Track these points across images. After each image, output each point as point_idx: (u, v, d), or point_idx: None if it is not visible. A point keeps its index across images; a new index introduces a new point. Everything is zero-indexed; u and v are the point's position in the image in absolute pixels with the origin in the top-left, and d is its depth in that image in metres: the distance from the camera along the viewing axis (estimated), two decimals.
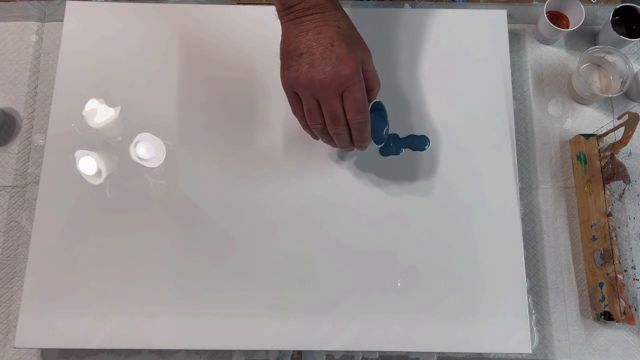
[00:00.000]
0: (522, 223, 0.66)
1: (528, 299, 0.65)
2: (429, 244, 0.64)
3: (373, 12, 0.73)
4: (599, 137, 0.69)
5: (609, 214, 0.66)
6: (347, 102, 0.51)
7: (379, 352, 0.65)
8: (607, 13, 0.75)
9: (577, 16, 0.72)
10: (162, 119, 0.68)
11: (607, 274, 0.64)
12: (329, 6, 0.51)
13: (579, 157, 0.69)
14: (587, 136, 0.69)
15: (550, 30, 0.72)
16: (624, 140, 0.65)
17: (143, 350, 0.64)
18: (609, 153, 0.67)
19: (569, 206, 0.70)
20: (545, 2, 0.72)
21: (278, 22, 0.54)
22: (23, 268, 0.66)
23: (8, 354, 0.64)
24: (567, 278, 0.67)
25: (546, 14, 0.71)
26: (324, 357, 0.65)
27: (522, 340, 0.61)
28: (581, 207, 0.68)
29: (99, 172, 0.66)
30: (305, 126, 0.56)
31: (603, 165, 0.68)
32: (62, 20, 0.72)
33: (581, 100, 0.73)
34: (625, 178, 0.67)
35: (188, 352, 0.65)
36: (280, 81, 0.53)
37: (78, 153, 0.66)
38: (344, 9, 0.54)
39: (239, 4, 0.77)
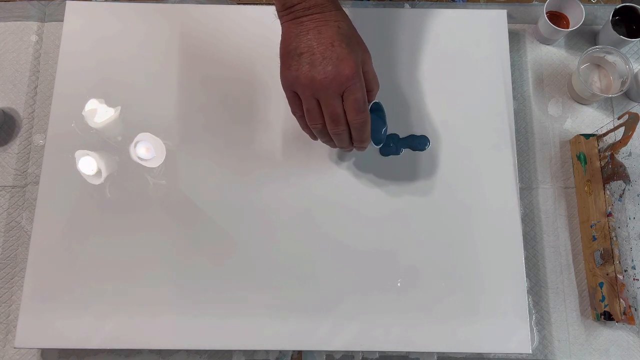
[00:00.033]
0: (522, 223, 0.66)
1: (528, 299, 0.65)
2: (429, 244, 0.64)
3: (373, 12, 0.73)
4: (599, 137, 0.69)
5: (609, 214, 0.66)
6: (348, 102, 0.51)
7: (379, 352, 0.65)
8: (607, 13, 0.75)
9: (577, 16, 0.72)
10: (162, 119, 0.68)
11: (607, 274, 0.64)
12: (329, 6, 0.51)
13: (579, 157, 0.69)
14: (587, 136, 0.69)
15: (550, 30, 0.72)
16: (624, 140, 0.65)
17: (143, 350, 0.64)
18: (609, 153, 0.67)
19: (569, 206, 0.70)
20: (545, 2, 0.72)
21: (278, 22, 0.54)
22: (23, 268, 0.66)
23: (8, 354, 0.64)
24: (567, 278, 0.67)
25: (546, 14, 0.71)
26: (324, 357, 0.65)
27: (522, 340, 0.61)
28: (581, 207, 0.68)
29: (99, 172, 0.66)
30: (305, 126, 0.56)
31: (603, 165, 0.68)
32: (62, 20, 0.72)
33: (581, 100, 0.73)
34: (625, 178, 0.67)
35: (188, 352, 0.65)
36: (280, 81, 0.53)
37: (78, 153, 0.66)
38: (343, 9, 0.54)
39: (239, 4, 0.77)
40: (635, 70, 0.71)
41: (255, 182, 0.66)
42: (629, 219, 0.68)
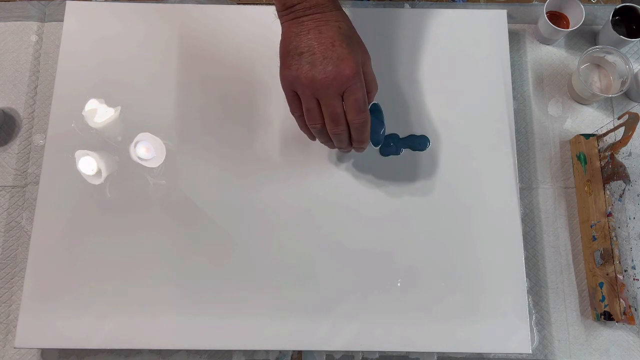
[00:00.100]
0: (522, 223, 0.66)
1: (528, 299, 0.65)
2: (429, 244, 0.64)
3: (373, 12, 0.73)
4: (599, 137, 0.69)
5: (609, 214, 0.66)
6: (348, 102, 0.51)
7: (379, 352, 0.65)
8: (607, 13, 0.75)
9: (577, 16, 0.72)
10: (162, 119, 0.68)
11: (607, 274, 0.64)
12: (329, 6, 0.51)
13: (579, 157, 0.69)
14: (587, 136, 0.69)
15: (550, 30, 0.72)
16: (624, 140, 0.65)
17: (143, 350, 0.64)
18: (609, 153, 0.67)
19: (569, 206, 0.70)
20: (545, 2, 0.72)
21: (278, 22, 0.54)
22: (23, 268, 0.66)
23: (8, 354, 0.64)
24: (567, 278, 0.67)
25: (546, 14, 0.71)
26: (324, 357, 0.65)
27: (522, 340, 0.61)
28: (581, 207, 0.68)
29: (99, 172, 0.66)
30: (303, 126, 0.56)
31: (603, 165, 0.68)
32: (62, 20, 0.72)
33: (581, 100, 0.73)
34: (625, 178, 0.67)
35: (188, 352, 0.65)
36: (279, 81, 0.53)
37: (78, 153, 0.66)
38: (343, 9, 0.54)
39: (239, 4, 0.77)
40: (635, 70, 0.71)
41: (255, 182, 0.66)
42: (629, 219, 0.68)
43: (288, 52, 0.51)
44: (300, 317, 0.62)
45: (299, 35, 0.51)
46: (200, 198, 0.65)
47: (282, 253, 0.64)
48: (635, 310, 0.65)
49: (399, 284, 0.63)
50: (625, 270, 0.65)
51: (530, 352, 0.61)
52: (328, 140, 0.56)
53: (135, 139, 0.67)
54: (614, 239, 0.65)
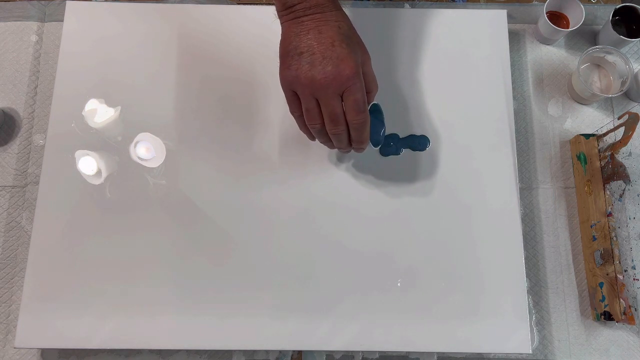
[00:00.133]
0: (522, 223, 0.66)
1: (528, 299, 0.65)
2: (429, 244, 0.64)
3: (373, 12, 0.73)
4: (599, 137, 0.69)
5: (609, 214, 0.66)
6: (348, 102, 0.51)
7: (379, 352, 0.65)
8: (607, 13, 0.75)
9: (577, 16, 0.72)
10: (162, 119, 0.68)
11: (607, 274, 0.64)
12: (329, 6, 0.51)
13: (579, 157, 0.69)
14: (587, 136, 0.69)
15: (550, 30, 0.72)
16: (624, 140, 0.65)
17: (143, 350, 0.64)
18: (609, 153, 0.67)
19: (569, 206, 0.70)
20: (545, 2, 0.72)
21: (278, 22, 0.54)
22: (23, 268, 0.66)
23: (8, 354, 0.64)
24: (567, 278, 0.67)
25: (546, 14, 0.71)
26: (324, 357, 0.65)
27: (522, 340, 0.61)
28: (581, 207, 0.68)
29: (99, 172, 0.66)
30: (303, 126, 0.56)
31: (603, 165, 0.68)
32: (62, 20, 0.72)
33: (581, 100, 0.73)
34: (625, 178, 0.67)
35: (188, 352, 0.65)
36: (279, 81, 0.53)
37: (78, 153, 0.66)
38: (343, 9, 0.54)
39: (239, 4, 0.77)
40: (635, 70, 0.71)
41: (255, 182, 0.66)
42: (629, 219, 0.68)
43: (288, 52, 0.51)
44: (300, 317, 0.62)
45: (298, 35, 0.51)
46: (200, 198, 0.65)
47: (282, 253, 0.64)
48: (635, 310, 0.65)
49: (399, 284, 0.63)
50: (625, 270, 0.65)
51: (530, 352, 0.61)
52: (327, 141, 0.56)
53: (135, 139, 0.67)
54: (614, 239, 0.65)
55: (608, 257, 0.64)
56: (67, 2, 0.72)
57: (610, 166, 0.67)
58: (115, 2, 0.74)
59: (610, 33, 0.71)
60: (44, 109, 0.72)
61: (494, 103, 0.69)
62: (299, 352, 0.65)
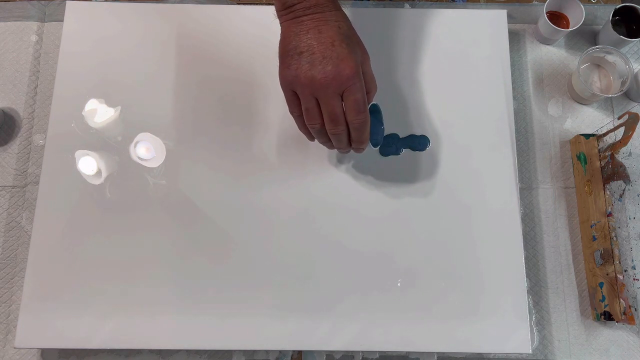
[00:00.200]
0: (522, 223, 0.66)
1: (528, 299, 0.65)
2: (429, 244, 0.64)
3: (373, 12, 0.73)
4: (599, 137, 0.69)
5: (609, 214, 0.66)
6: (348, 102, 0.51)
7: (379, 352, 0.65)
8: (607, 13, 0.75)
9: (577, 16, 0.72)
10: (162, 119, 0.68)
11: (607, 274, 0.64)
12: (329, 6, 0.51)
13: (579, 157, 0.69)
14: (587, 136, 0.69)
15: (550, 30, 0.72)
16: (624, 140, 0.65)
17: (143, 350, 0.64)
18: (609, 153, 0.67)
19: (569, 206, 0.70)
20: (545, 2, 0.72)
21: (278, 22, 0.53)
22: (23, 268, 0.66)
23: (8, 354, 0.64)
24: (567, 278, 0.67)
25: (546, 14, 0.71)
26: (324, 357, 0.65)
27: (522, 340, 0.61)
28: (581, 207, 0.68)
29: (99, 172, 0.66)
30: (302, 126, 0.56)
31: (603, 165, 0.68)
32: (62, 20, 0.72)
33: (581, 100, 0.73)
34: (625, 178, 0.67)
35: (188, 352, 0.65)
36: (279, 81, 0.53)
37: (78, 153, 0.66)
38: (343, 9, 0.54)
39: (239, 4, 0.77)
40: (635, 70, 0.71)
41: (255, 182, 0.66)
42: (629, 219, 0.68)
43: (287, 52, 0.51)
44: (300, 317, 0.62)
45: (298, 35, 0.51)
46: (200, 198, 0.65)
47: (282, 253, 0.64)
48: (635, 310, 0.65)
49: (399, 284, 0.63)
50: (625, 270, 0.65)
51: (530, 352, 0.61)
52: (327, 141, 0.56)
53: (135, 139, 0.67)
54: (614, 239, 0.65)
55: (608, 257, 0.64)
56: (67, 2, 0.72)
57: (610, 166, 0.67)
58: (115, 2, 0.74)
59: (610, 33, 0.71)
60: (44, 109, 0.72)
61: (494, 103, 0.69)
62: (299, 352, 0.65)
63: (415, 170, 0.67)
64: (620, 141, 0.65)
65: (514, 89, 0.72)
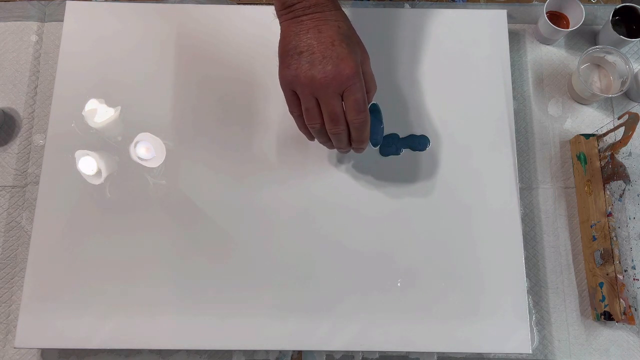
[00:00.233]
0: (522, 223, 0.66)
1: (528, 299, 0.65)
2: (429, 244, 0.64)
3: (373, 12, 0.73)
4: (599, 137, 0.69)
5: (609, 214, 0.66)
6: (348, 101, 0.51)
7: (379, 352, 0.65)
8: (607, 13, 0.75)
9: (577, 16, 0.72)
10: (162, 119, 0.68)
11: (607, 274, 0.64)
12: (329, 5, 0.51)
13: (579, 157, 0.69)
14: (587, 136, 0.69)
15: (550, 30, 0.72)
16: (624, 140, 0.65)
17: (143, 350, 0.64)
18: (609, 153, 0.67)
19: (569, 206, 0.70)
20: (545, 2, 0.72)
21: (277, 22, 0.53)
22: (23, 268, 0.66)
23: (8, 354, 0.64)
24: (567, 278, 0.67)
25: (546, 14, 0.71)
26: (324, 357, 0.65)
27: (522, 340, 0.61)
28: (581, 207, 0.68)
29: (99, 172, 0.66)
30: (302, 126, 0.56)
31: (603, 165, 0.68)
32: (62, 20, 0.72)
33: (581, 100, 0.73)
34: (625, 178, 0.67)
35: (188, 352, 0.65)
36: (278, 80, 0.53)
37: (78, 153, 0.66)
38: (343, 9, 0.54)
39: (239, 4, 0.77)
40: (635, 70, 0.71)
41: (255, 182, 0.66)
42: (629, 219, 0.68)
43: (287, 52, 0.51)
44: (300, 317, 0.62)
45: (298, 35, 0.51)
46: (200, 198, 0.65)
47: (282, 253, 0.64)
48: (635, 310, 0.65)
49: (399, 284, 0.63)
50: (625, 270, 0.65)
51: (530, 352, 0.61)
52: (327, 141, 0.56)
53: (135, 139, 0.67)
54: (614, 239, 0.65)
55: (608, 257, 0.64)
56: (67, 2, 0.72)
57: (610, 166, 0.67)
58: (115, 2, 0.74)
59: (610, 33, 0.71)
60: (44, 109, 0.72)
61: (494, 103, 0.69)
62: (299, 352, 0.65)
63: (415, 170, 0.67)
64: (620, 141, 0.65)
65: (514, 89, 0.72)
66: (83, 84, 0.69)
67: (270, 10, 0.55)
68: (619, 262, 0.64)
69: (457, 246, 0.64)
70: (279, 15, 0.53)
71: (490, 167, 0.67)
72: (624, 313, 0.63)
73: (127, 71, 0.70)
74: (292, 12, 0.51)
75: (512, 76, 0.72)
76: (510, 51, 0.72)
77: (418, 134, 0.68)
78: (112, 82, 0.69)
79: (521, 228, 0.65)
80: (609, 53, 0.71)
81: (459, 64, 0.71)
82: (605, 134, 0.69)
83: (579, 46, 0.76)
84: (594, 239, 0.65)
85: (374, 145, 0.60)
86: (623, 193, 0.68)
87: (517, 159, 0.68)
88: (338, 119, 0.52)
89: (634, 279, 0.66)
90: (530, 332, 0.62)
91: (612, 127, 0.67)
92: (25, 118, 0.72)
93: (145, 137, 0.67)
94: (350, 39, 0.52)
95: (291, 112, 0.55)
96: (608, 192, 0.67)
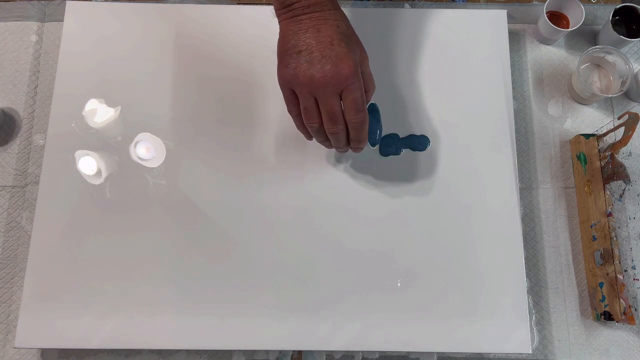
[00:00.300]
0: (522, 223, 0.66)
1: (528, 299, 0.65)
2: (429, 244, 0.64)
3: (373, 12, 0.73)
4: (599, 137, 0.69)
5: (609, 214, 0.66)
6: (347, 101, 0.51)
7: (379, 352, 0.65)
8: (607, 13, 0.75)
9: (577, 16, 0.72)
10: (162, 119, 0.68)
11: (607, 274, 0.64)
12: (328, 5, 0.51)
13: (579, 157, 0.69)
14: (587, 136, 0.69)
15: (550, 30, 0.72)
16: (624, 140, 0.65)
17: (143, 350, 0.64)
18: (609, 153, 0.67)
19: (569, 206, 0.70)
20: (545, 2, 0.72)
21: (276, 21, 0.53)
22: (23, 268, 0.66)
23: (8, 354, 0.64)
24: (567, 278, 0.67)
25: (546, 14, 0.71)
26: (324, 357, 0.65)
27: (522, 340, 0.61)
28: (581, 207, 0.68)
29: (99, 172, 0.66)
30: (300, 125, 0.56)
31: (603, 165, 0.68)
32: (62, 20, 0.72)
33: (581, 100, 0.73)
34: (625, 178, 0.67)
35: (188, 352, 0.65)
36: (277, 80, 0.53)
37: (78, 153, 0.66)
38: (343, 9, 0.54)
39: (238, 4, 0.77)
40: (635, 70, 0.71)
41: (255, 182, 0.66)
42: (629, 219, 0.68)
43: (286, 51, 0.51)
44: (300, 317, 0.62)
45: (297, 34, 0.51)
46: (200, 198, 0.65)
47: (282, 253, 0.64)
48: (635, 310, 0.65)
49: (399, 284, 0.63)
50: (625, 270, 0.65)
51: (530, 352, 0.61)
52: (325, 140, 0.56)
53: (135, 139, 0.67)
54: (614, 239, 0.65)
55: (608, 257, 0.64)
56: (67, 2, 0.72)
57: (610, 166, 0.67)
58: (115, 2, 0.74)
59: (610, 33, 0.71)
60: (44, 109, 0.72)
61: (494, 103, 0.69)
62: (299, 352, 0.65)
63: (415, 170, 0.67)
64: (620, 141, 0.65)
65: (514, 89, 0.72)
66: (83, 84, 0.69)
67: (270, 10, 0.55)
68: (619, 262, 0.64)
69: (457, 246, 0.64)
70: (278, 15, 0.53)
71: (490, 167, 0.67)
72: (624, 313, 0.63)
73: (127, 71, 0.70)
74: (291, 11, 0.51)
75: (512, 76, 0.72)
76: (510, 51, 0.72)
77: (418, 134, 0.68)
78: (112, 82, 0.69)
79: (521, 228, 0.65)
80: (609, 53, 0.71)
81: (458, 64, 0.71)
82: (605, 134, 0.68)
83: (579, 46, 0.76)
84: (594, 239, 0.65)
85: (372, 145, 0.60)
86: (623, 193, 0.68)
87: (517, 159, 0.68)
88: (336, 119, 0.52)
89: (634, 279, 0.66)
90: (530, 332, 0.62)
91: (612, 127, 0.67)
92: (25, 118, 0.72)
93: (145, 137, 0.68)
94: (349, 39, 0.52)
95: (290, 111, 0.55)
96: (608, 192, 0.67)
